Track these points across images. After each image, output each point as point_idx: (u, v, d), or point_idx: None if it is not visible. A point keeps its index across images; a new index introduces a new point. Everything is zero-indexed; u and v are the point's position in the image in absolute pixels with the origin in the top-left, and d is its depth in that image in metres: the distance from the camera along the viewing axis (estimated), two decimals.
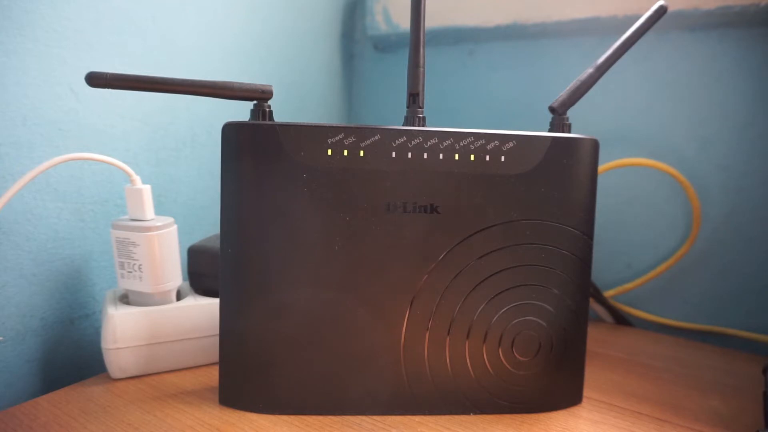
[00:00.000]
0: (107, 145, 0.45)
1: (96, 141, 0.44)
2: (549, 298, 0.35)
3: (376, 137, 0.33)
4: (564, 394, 0.37)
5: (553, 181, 0.34)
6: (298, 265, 0.34)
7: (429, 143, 0.33)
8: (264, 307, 0.34)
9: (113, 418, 0.34)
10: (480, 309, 0.35)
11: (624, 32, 0.37)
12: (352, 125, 0.33)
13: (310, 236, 0.33)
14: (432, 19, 0.62)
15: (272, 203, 0.33)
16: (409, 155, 0.33)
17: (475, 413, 0.36)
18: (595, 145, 0.35)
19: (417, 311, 0.34)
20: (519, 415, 0.36)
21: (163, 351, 0.40)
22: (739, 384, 0.43)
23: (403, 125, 0.34)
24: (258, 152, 0.33)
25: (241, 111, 0.38)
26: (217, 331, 0.36)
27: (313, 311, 0.34)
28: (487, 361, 0.35)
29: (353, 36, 0.74)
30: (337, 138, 0.33)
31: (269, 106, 0.34)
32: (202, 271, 0.44)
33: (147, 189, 0.41)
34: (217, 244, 0.36)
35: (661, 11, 0.38)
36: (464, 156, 0.34)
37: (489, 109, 0.65)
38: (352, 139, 0.33)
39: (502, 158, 0.34)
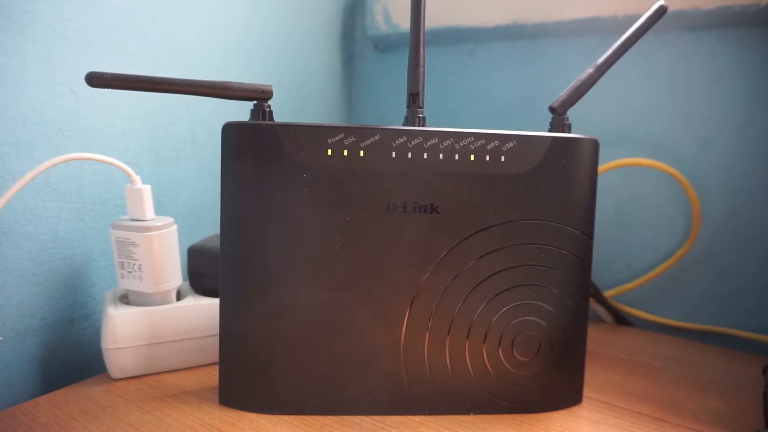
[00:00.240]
0: (107, 145, 0.45)
1: (96, 141, 0.44)
2: (549, 298, 0.35)
3: (376, 137, 0.33)
4: (564, 394, 0.37)
5: (553, 181, 0.34)
6: (298, 265, 0.34)
7: (429, 143, 0.33)
8: (264, 307, 0.34)
9: (113, 418, 0.34)
10: (480, 309, 0.35)
11: (624, 32, 0.37)
12: (352, 125, 0.33)
13: (310, 236, 0.33)
14: (432, 19, 0.62)
15: (272, 203, 0.33)
16: (409, 155, 0.33)
17: (475, 413, 0.36)
18: (595, 145, 0.35)
19: (417, 311, 0.34)
20: (519, 415, 0.36)
21: (163, 351, 0.40)
22: (739, 384, 0.43)
23: (403, 125, 0.34)
24: (258, 152, 0.33)
25: (241, 111, 0.38)
26: (217, 331, 0.36)
27: (313, 311, 0.34)
28: (487, 361, 0.35)
29: (353, 36, 0.74)
30: (337, 138, 0.33)
31: (269, 106, 0.34)
32: (202, 271, 0.44)
33: (147, 189, 0.41)
34: (217, 244, 0.36)
35: (661, 11, 0.38)
36: (464, 156, 0.34)
37: (489, 109, 0.65)
38: (352, 139, 0.33)
39: (502, 158, 0.34)
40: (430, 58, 0.50)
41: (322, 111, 0.70)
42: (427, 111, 0.35)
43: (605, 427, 0.35)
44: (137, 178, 0.41)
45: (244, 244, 0.34)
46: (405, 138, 0.33)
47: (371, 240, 0.34)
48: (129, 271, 0.40)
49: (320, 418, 0.35)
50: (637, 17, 0.37)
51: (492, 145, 0.34)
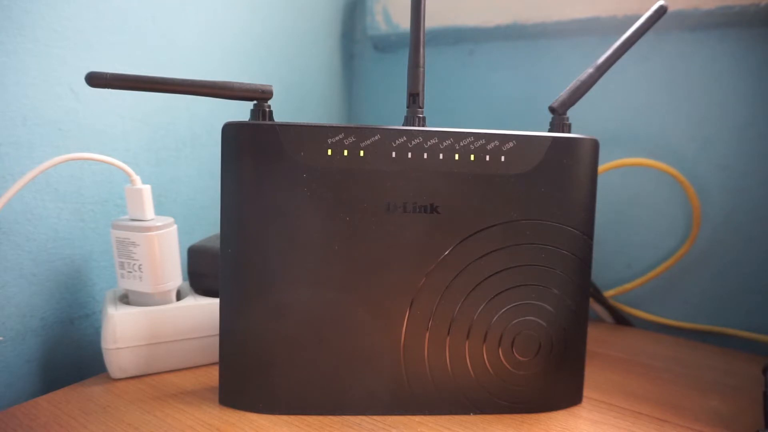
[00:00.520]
0: (107, 145, 0.45)
1: (96, 141, 0.44)
2: (549, 298, 0.35)
3: (376, 137, 0.33)
4: (564, 394, 0.37)
5: (553, 181, 0.34)
6: (298, 265, 0.34)
7: (429, 143, 0.33)
8: (264, 307, 0.34)
9: (113, 418, 0.34)
10: (480, 309, 0.35)
11: (624, 32, 0.37)
12: (352, 125, 0.33)
13: (310, 236, 0.33)
14: (432, 19, 0.62)
15: (272, 203, 0.33)
16: (409, 155, 0.33)
17: (475, 413, 0.36)
18: (595, 145, 0.35)
19: (417, 311, 0.34)
20: (519, 415, 0.36)
21: (163, 351, 0.40)
22: (739, 384, 0.43)
23: (403, 125, 0.34)
24: (258, 152, 0.33)
25: (241, 111, 0.38)
26: (217, 331, 0.36)
27: (313, 311, 0.34)
28: (487, 361, 0.35)
29: (353, 36, 0.74)
30: (337, 138, 0.33)
31: (269, 106, 0.34)
32: (202, 271, 0.44)
33: (147, 189, 0.41)
34: (217, 244, 0.36)
35: (661, 11, 0.38)
36: (464, 156, 0.34)
37: (489, 109, 0.65)
38: (352, 139, 0.33)
39: (502, 158, 0.34)
40: (430, 58, 0.50)
41: (322, 111, 0.70)
42: (427, 111, 0.35)
43: (605, 427, 0.35)
44: (137, 178, 0.41)
45: (244, 244, 0.34)
46: (405, 138, 0.33)
47: (371, 240, 0.34)
48: (129, 271, 0.40)
49: (320, 418, 0.35)
50: (637, 17, 0.37)
51: (492, 145, 0.34)
